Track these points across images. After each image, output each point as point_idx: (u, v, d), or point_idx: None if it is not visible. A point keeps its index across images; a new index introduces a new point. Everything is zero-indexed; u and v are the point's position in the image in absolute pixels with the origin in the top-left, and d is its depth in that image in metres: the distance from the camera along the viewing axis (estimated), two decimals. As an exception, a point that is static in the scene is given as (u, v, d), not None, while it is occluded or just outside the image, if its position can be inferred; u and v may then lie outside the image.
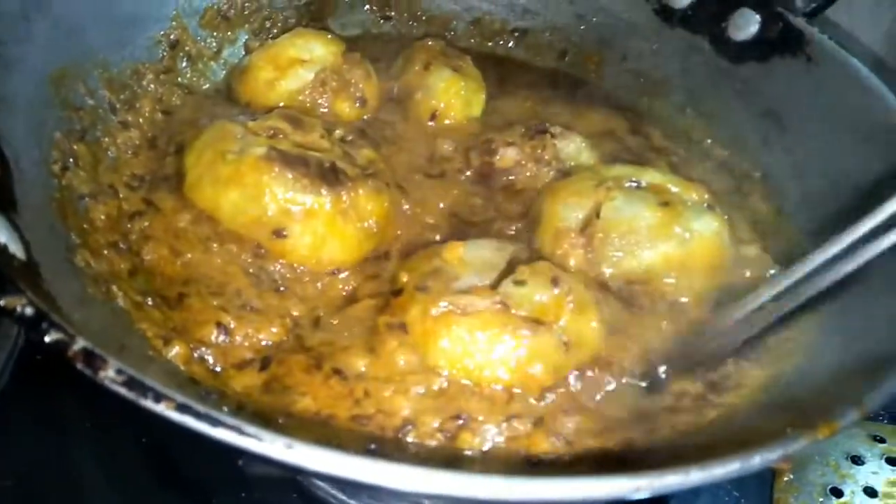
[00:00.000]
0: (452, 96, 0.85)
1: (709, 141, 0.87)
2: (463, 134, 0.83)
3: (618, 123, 0.90)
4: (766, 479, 0.73)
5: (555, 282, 0.60)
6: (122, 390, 0.38)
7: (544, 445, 0.55)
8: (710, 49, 0.88)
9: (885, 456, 0.76)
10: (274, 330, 0.61)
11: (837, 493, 0.73)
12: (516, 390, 0.57)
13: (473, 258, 0.63)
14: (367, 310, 0.63)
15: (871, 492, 0.73)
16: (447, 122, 0.85)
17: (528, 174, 0.78)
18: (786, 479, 0.73)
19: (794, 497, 0.71)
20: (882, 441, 0.78)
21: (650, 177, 0.71)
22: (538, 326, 0.57)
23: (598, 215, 0.67)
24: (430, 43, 0.90)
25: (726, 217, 0.70)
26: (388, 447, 0.54)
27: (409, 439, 0.55)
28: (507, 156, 0.78)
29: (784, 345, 0.62)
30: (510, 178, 0.78)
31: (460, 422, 0.55)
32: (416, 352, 0.58)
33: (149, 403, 0.37)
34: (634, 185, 0.70)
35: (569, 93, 0.94)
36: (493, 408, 0.56)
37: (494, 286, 0.60)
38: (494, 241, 0.67)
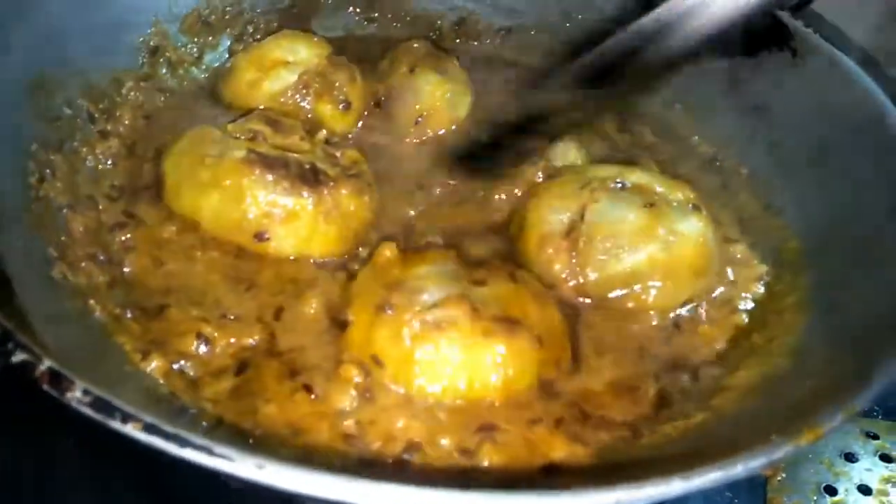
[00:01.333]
0: (438, 100, 0.84)
1: (696, 138, 0.86)
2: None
3: (606, 121, 0.89)
4: (759, 479, 0.72)
5: (512, 276, 0.61)
6: (89, 411, 0.37)
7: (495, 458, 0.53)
8: (697, 45, 0.86)
9: (878, 453, 0.75)
10: (256, 338, 0.60)
11: (832, 491, 0.72)
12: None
13: (430, 271, 0.61)
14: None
15: (865, 489, 0.72)
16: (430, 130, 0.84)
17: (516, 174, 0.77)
18: (779, 478, 0.72)
19: (787, 497, 0.71)
20: (875, 438, 0.77)
21: (636, 177, 0.70)
22: (513, 326, 0.56)
23: (582, 218, 0.66)
24: (415, 45, 0.89)
25: (712, 217, 0.69)
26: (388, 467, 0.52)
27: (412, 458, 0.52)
28: (495, 156, 0.77)
29: (770, 346, 0.61)
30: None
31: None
32: (398, 383, 0.55)
33: (116, 424, 0.37)
34: (619, 185, 0.69)
35: (556, 91, 0.94)
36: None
37: (464, 294, 0.57)
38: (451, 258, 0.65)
